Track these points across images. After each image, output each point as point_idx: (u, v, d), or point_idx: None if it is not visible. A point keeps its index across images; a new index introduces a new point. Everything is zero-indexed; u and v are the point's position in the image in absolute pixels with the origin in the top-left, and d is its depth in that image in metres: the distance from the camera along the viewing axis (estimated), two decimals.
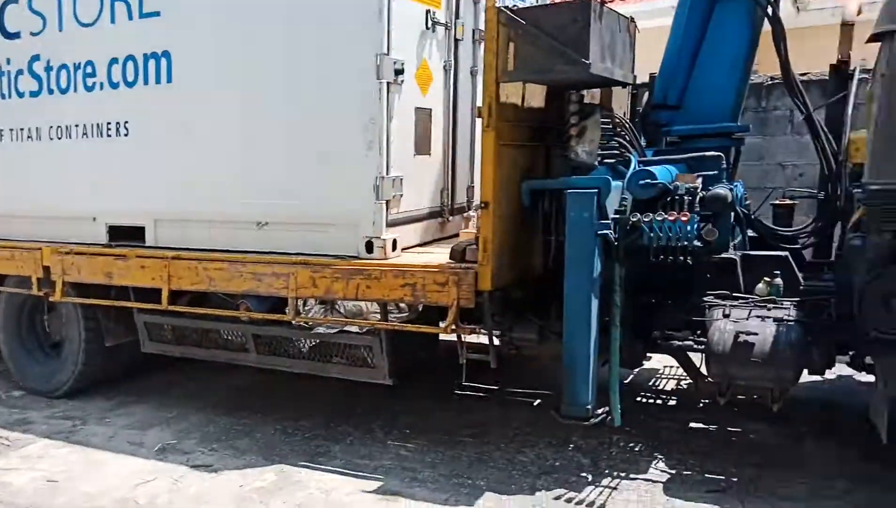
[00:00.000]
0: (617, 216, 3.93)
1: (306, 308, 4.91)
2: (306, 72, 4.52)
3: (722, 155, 4.39)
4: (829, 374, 4.85)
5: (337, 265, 4.47)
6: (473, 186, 5.13)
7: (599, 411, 4.07)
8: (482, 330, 4.40)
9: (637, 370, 5.59)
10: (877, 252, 3.47)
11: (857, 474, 4.09)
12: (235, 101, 4.76)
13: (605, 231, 3.88)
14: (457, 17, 4.98)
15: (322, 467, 4.46)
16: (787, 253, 4.31)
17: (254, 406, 5.47)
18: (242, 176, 4.85)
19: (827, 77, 5.30)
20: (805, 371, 3.97)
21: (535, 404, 5.38)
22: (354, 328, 4.77)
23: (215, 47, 4.82)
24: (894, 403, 3.49)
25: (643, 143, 4.65)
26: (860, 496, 3.86)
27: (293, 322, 4.79)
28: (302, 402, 5.53)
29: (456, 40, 5.00)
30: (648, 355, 4.57)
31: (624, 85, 4.66)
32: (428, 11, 4.67)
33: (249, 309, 4.98)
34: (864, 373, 4.31)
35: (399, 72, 4.30)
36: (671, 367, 5.77)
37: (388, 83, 4.25)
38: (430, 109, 4.82)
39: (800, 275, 4.24)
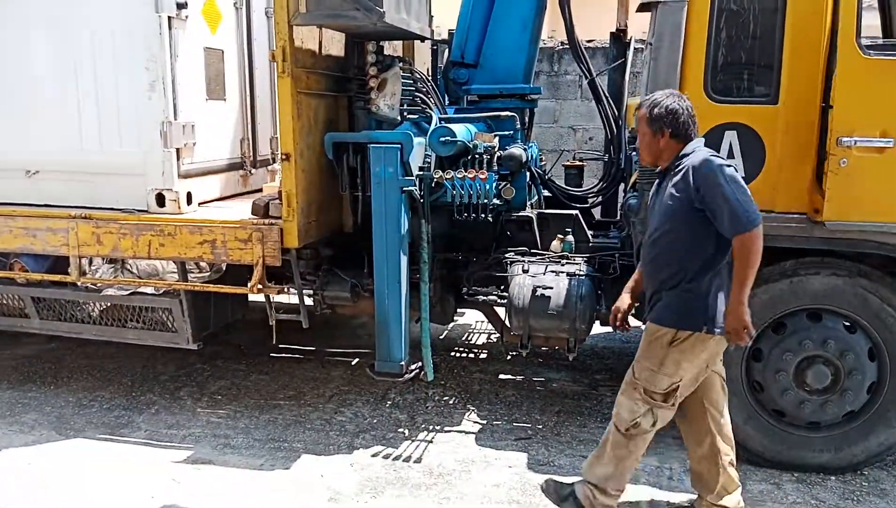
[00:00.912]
0: (421, 173, 3.86)
1: (93, 268, 4.40)
2: None
3: (516, 116, 4.43)
4: None
5: (124, 220, 4.04)
6: (277, 138, 4.80)
7: (413, 367, 4.07)
8: (292, 289, 4.18)
9: (450, 325, 5.67)
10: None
11: None
12: None
13: (409, 187, 3.84)
14: None
15: (124, 439, 4.12)
16: (577, 212, 4.47)
17: (44, 378, 4.94)
18: (6, 116, 4.22)
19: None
20: (598, 323, 4.15)
21: (352, 363, 5.27)
22: (151, 290, 4.35)
23: None
24: None
25: (446, 100, 4.61)
26: None
27: (78, 284, 4.29)
28: (98, 371, 5.06)
29: None
30: (459, 310, 4.57)
31: (422, 39, 4.58)
32: None
33: (25, 269, 4.39)
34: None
35: (181, 6, 3.92)
36: (482, 322, 5.90)
37: (168, 17, 3.87)
38: (222, 51, 4.46)
39: (589, 233, 4.43)
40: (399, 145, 3.81)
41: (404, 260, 3.92)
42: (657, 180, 3.07)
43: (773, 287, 3.54)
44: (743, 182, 2.79)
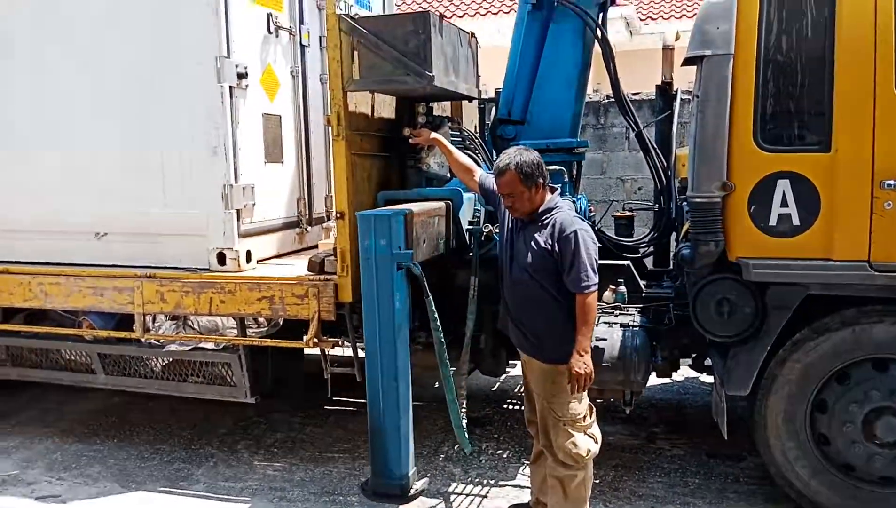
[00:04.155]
0: (471, 228, 3.90)
1: (156, 324, 4.57)
2: (146, 71, 4.20)
3: (563, 169, 4.47)
4: (677, 377, 5.09)
5: (186, 278, 4.19)
6: (331, 196, 4.95)
7: (419, 484, 3.63)
8: (346, 343, 4.24)
9: (503, 377, 5.63)
10: (702, 261, 3.61)
11: (707, 468, 4.29)
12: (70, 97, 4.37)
13: (406, 263, 3.46)
14: (301, 22, 4.82)
15: (184, 492, 4.19)
16: (629, 262, 4.45)
17: (108, 432, 5.09)
18: (78, 182, 4.46)
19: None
20: (654, 375, 4.09)
21: None
22: (211, 345, 4.48)
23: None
24: (730, 400, 3.64)
25: (494, 157, 4.67)
26: (711, 489, 4.04)
27: (142, 340, 4.45)
28: (160, 424, 5.19)
29: (302, 46, 4.84)
30: (512, 362, 4.55)
31: (469, 99, 4.71)
32: (270, 15, 4.48)
33: (92, 326, 4.58)
34: (705, 374, 4.52)
35: (242, 76, 4.11)
36: None
37: (230, 87, 4.06)
38: (280, 116, 4.65)
39: (642, 283, 4.40)
40: (389, 216, 3.53)
41: (403, 351, 3.51)
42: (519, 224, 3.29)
43: (835, 336, 3.45)
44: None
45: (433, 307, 3.50)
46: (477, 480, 4.22)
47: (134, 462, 4.58)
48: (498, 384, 5.85)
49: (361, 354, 4.38)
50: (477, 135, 4.61)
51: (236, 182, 4.13)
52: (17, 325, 4.81)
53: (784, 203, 3.39)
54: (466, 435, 3.74)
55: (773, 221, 3.42)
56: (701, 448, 4.55)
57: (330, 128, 3.91)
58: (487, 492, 4.06)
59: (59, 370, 4.91)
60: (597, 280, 3.11)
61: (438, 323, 3.47)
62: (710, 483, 4.10)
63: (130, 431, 5.07)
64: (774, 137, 3.45)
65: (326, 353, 4.37)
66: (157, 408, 5.43)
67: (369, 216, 3.36)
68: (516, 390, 5.78)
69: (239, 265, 4.17)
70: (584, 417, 3.27)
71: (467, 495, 4.04)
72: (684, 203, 4.12)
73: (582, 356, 3.09)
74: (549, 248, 3.14)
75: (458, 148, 4.28)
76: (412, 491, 3.42)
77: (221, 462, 4.55)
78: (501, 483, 4.17)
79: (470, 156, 4.33)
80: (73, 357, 4.87)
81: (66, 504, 4.04)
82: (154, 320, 4.54)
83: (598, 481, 4.10)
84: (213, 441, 4.87)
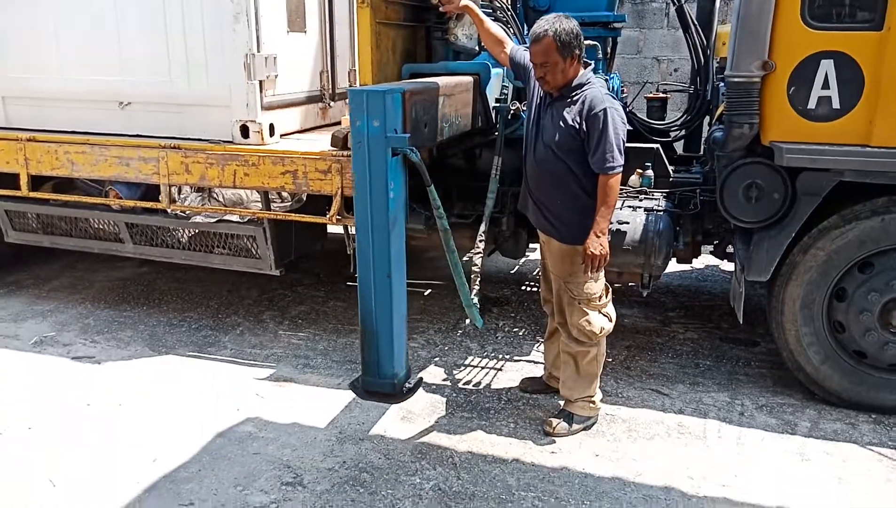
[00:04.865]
0: (498, 105, 3.80)
1: (182, 196, 4.61)
2: None
3: (598, 45, 4.27)
4: (698, 264, 5.09)
5: (211, 150, 4.19)
6: (355, 70, 4.82)
7: (412, 381, 3.44)
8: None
9: (522, 260, 5.68)
10: (735, 145, 3.52)
11: (719, 352, 4.38)
12: None
13: (402, 148, 3.07)
14: None
15: (212, 356, 4.38)
16: (658, 146, 4.35)
17: (137, 299, 5.27)
18: (100, 49, 4.37)
19: None
20: (674, 261, 4.10)
21: (425, 293, 5.39)
22: (236, 218, 4.54)
23: None
24: (749, 287, 3.66)
25: (526, 29, 4.46)
26: (722, 371, 4.14)
27: (168, 211, 4.51)
28: (187, 294, 5.36)
29: None
30: (532, 245, 4.57)
31: None
32: None
33: (119, 196, 4.64)
34: (726, 261, 4.52)
35: None
36: None
37: None
38: None
39: (670, 167, 4.32)
40: (383, 93, 3.11)
41: (398, 245, 3.19)
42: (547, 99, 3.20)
43: (863, 225, 3.41)
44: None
45: (435, 196, 3.27)
46: (493, 354, 4.36)
47: (163, 328, 4.77)
48: (517, 267, 5.92)
49: None
50: (508, 6, 4.38)
51: (259, 51, 4.03)
52: (45, 193, 4.88)
53: (826, 85, 3.26)
54: (477, 313, 3.72)
55: (811, 103, 3.31)
56: (715, 333, 4.64)
57: None
58: (502, 366, 4.21)
59: (89, 239, 5.02)
60: (622, 162, 3.05)
61: (442, 211, 3.29)
62: (721, 366, 4.20)
63: (159, 299, 5.26)
64: (823, 13, 3.27)
65: (350, 229, 4.42)
66: (185, 278, 5.60)
67: (361, 93, 2.94)
68: (535, 272, 5.86)
69: (262, 138, 4.15)
70: (600, 297, 3.32)
71: (483, 368, 4.18)
72: (721, 84, 3.97)
73: (599, 237, 3.09)
74: (577, 126, 3.06)
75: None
76: (405, 389, 3.26)
77: (247, 331, 4.73)
78: (516, 358, 4.31)
79: (501, 27, 4.16)
80: (101, 226, 4.96)
81: (100, 364, 4.25)
82: (180, 191, 4.58)
83: (610, 360, 4.23)
84: (240, 311, 5.04)
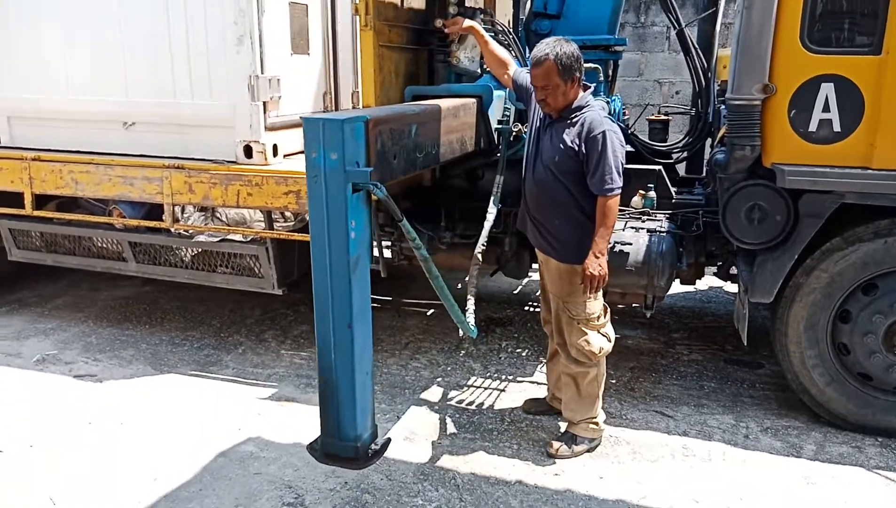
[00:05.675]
0: (499, 127, 3.82)
1: (185, 215, 4.63)
2: None
3: (599, 68, 4.31)
4: (701, 285, 5.09)
5: (214, 170, 4.22)
6: (358, 92, 4.86)
7: (376, 444, 2.85)
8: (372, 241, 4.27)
9: (525, 280, 5.68)
10: (737, 167, 3.54)
11: (723, 374, 4.36)
12: None
13: (364, 183, 2.54)
14: None
15: (214, 375, 4.37)
16: (660, 167, 4.37)
17: (140, 318, 5.27)
18: (106, 70, 4.42)
19: None
20: (677, 282, 4.10)
21: (427, 313, 5.39)
22: (239, 237, 4.55)
23: None
24: (753, 309, 3.66)
25: (527, 53, 4.51)
26: (726, 393, 4.12)
27: (172, 230, 4.53)
28: (190, 313, 5.36)
29: None
30: (535, 265, 4.57)
31: None
32: None
33: (123, 215, 4.66)
34: (729, 283, 4.51)
35: None
36: None
37: None
38: (306, 6, 4.51)
39: (672, 189, 4.34)
40: (343, 122, 2.53)
41: (360, 292, 2.69)
42: (547, 121, 3.24)
43: (866, 247, 3.41)
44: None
45: (409, 228, 2.92)
46: (496, 375, 4.34)
47: (165, 346, 4.76)
48: (520, 287, 5.92)
49: (386, 252, 4.47)
50: (510, 30, 4.43)
51: (262, 73, 4.07)
52: (49, 212, 4.90)
53: (826, 108, 3.29)
54: (470, 325, 3.44)
55: (812, 126, 3.33)
56: (719, 355, 4.62)
57: (357, 17, 3.79)
58: (505, 387, 4.19)
59: (92, 258, 5.03)
60: (620, 184, 3.07)
61: (419, 242, 3.01)
62: (726, 388, 4.18)
63: (161, 318, 5.25)
64: (822, 37, 3.30)
65: None
66: (187, 297, 5.60)
67: (316, 121, 2.49)
68: (537, 293, 5.85)
69: (266, 159, 4.17)
70: (599, 317, 3.32)
71: (486, 388, 4.17)
72: (722, 106, 3.99)
73: (598, 257, 3.10)
74: (576, 148, 3.09)
75: None
76: (370, 452, 2.78)
77: (250, 350, 4.72)
78: (519, 378, 4.29)
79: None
80: (104, 245, 4.98)
81: (102, 382, 4.24)
82: (183, 210, 4.60)
83: (614, 381, 4.22)
84: (242, 330, 5.04)
